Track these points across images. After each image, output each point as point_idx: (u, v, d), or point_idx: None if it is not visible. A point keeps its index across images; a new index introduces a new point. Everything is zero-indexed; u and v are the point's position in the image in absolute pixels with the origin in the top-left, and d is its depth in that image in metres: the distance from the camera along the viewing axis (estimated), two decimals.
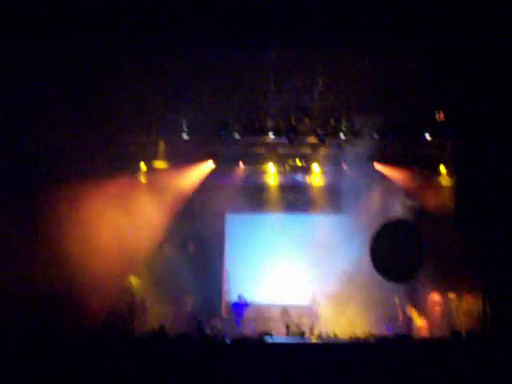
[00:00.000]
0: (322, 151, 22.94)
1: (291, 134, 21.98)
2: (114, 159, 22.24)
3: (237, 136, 22.25)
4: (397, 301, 22.29)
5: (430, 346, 14.97)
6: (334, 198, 23.55)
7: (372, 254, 21.31)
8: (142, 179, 23.39)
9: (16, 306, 18.18)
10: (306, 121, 22.01)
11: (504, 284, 18.91)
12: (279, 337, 18.43)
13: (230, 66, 20.01)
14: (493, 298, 17.26)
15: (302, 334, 19.19)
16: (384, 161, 23.13)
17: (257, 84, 20.88)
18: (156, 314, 21.54)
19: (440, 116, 21.54)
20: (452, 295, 22.06)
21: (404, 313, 22.14)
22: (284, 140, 22.36)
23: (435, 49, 18.70)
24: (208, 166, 23.55)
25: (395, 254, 20.75)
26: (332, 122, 22.00)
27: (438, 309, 22.03)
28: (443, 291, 22.32)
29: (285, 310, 23.17)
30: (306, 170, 23.88)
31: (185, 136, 22.33)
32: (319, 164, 23.57)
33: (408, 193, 23.23)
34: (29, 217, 19.91)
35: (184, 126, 22.14)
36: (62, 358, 13.86)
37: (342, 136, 22.14)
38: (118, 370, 13.82)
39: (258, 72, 20.44)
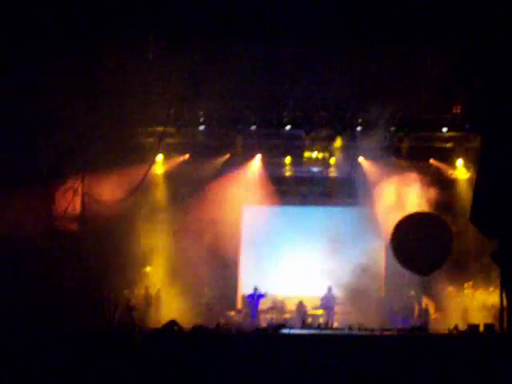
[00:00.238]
0: (339, 143, 22.88)
1: (308, 126, 22.03)
2: (131, 151, 22.27)
3: (254, 128, 22.30)
4: (413, 293, 22.26)
5: (446, 339, 15.00)
6: (350, 191, 23.51)
7: (394, 245, 21.29)
8: (159, 171, 23.43)
9: (31, 299, 18.28)
10: (323, 113, 22.03)
11: None
12: (295, 329, 18.44)
13: (246, 59, 20.02)
14: (510, 291, 17.17)
15: (317, 326, 19.23)
16: (400, 153, 23.09)
17: (274, 76, 20.89)
18: (171, 305, 21.58)
19: (457, 109, 21.51)
20: (468, 288, 22.04)
21: (420, 305, 22.10)
22: (301, 132, 22.41)
23: (453, 41, 18.65)
24: (225, 157, 23.58)
25: (420, 246, 20.71)
26: (348, 114, 22.02)
27: (453, 302, 21.99)
28: (459, 284, 22.29)
29: (300, 302, 23.19)
30: (323, 162, 23.85)
31: (202, 128, 22.40)
32: (335, 156, 23.53)
33: (424, 185, 23.18)
34: (46, 209, 20.00)
35: (201, 118, 22.20)
36: (74, 350, 13.90)
37: (358, 128, 22.16)
38: (131, 362, 13.88)
39: (275, 64, 20.45)
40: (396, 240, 21.33)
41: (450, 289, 22.19)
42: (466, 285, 22.26)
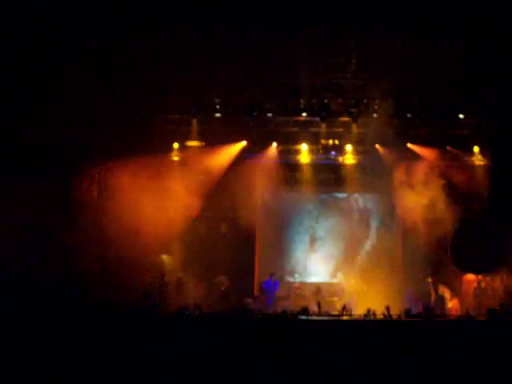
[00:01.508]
0: (355, 130, 22.81)
1: (324, 112, 22.00)
2: (147, 138, 22.30)
3: (270, 115, 22.30)
4: (429, 280, 22.25)
5: (464, 324, 15.01)
6: (366, 177, 23.51)
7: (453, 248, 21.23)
8: (175, 158, 23.46)
9: (51, 281, 18.42)
10: (339, 100, 21.99)
11: None
12: (312, 315, 18.43)
13: (262, 45, 19.98)
14: None
15: (334, 313, 19.21)
16: (416, 140, 23.04)
17: (290, 63, 20.84)
18: (190, 292, 21.68)
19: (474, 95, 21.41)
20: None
21: (436, 292, 22.08)
22: (317, 119, 22.37)
23: (470, 28, 18.56)
24: (241, 144, 23.58)
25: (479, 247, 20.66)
26: (365, 100, 21.95)
27: (472, 288, 21.98)
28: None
29: (317, 289, 23.21)
30: (339, 149, 23.85)
31: (218, 115, 22.40)
32: (352, 143, 23.50)
33: (441, 172, 23.15)
34: (65, 195, 20.12)
35: (217, 105, 22.21)
36: (94, 332, 14.00)
37: (374, 115, 22.09)
38: (149, 347, 13.96)
39: (291, 51, 20.40)
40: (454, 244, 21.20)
41: (470, 275, 22.13)
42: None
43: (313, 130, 23.18)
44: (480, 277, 22.00)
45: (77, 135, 19.86)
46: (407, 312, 17.53)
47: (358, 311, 18.45)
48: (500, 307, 16.69)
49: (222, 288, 22.87)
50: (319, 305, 19.98)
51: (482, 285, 21.98)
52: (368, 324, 16.13)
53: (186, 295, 21.64)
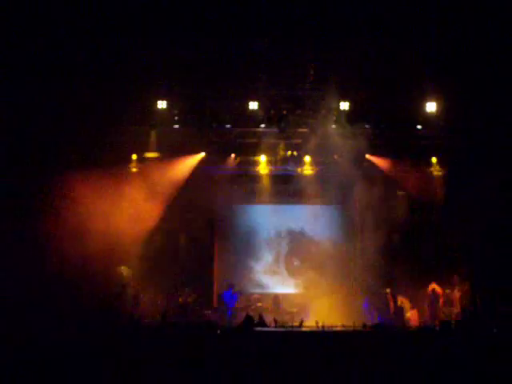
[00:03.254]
0: (313, 141, 22.80)
1: (282, 124, 21.99)
2: (105, 149, 22.16)
3: (228, 126, 22.28)
4: (388, 291, 22.29)
5: (420, 335, 15.08)
6: (325, 189, 23.54)
7: None
8: (134, 169, 23.35)
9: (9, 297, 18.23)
10: (298, 111, 21.98)
11: (491, 273, 19.12)
12: (269, 326, 18.41)
13: (220, 57, 19.96)
14: (480, 287, 17.37)
15: (292, 324, 19.21)
16: (375, 151, 23.10)
17: (248, 74, 20.83)
18: (149, 304, 21.61)
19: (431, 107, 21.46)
20: (440, 285, 22.13)
21: (395, 303, 22.12)
22: (275, 130, 22.35)
23: (428, 40, 18.70)
24: (199, 156, 23.52)
25: None
26: (323, 112, 21.94)
27: (431, 299, 22.05)
28: (435, 282, 22.33)
29: (276, 300, 23.24)
30: (297, 160, 23.86)
31: (176, 126, 22.32)
32: (310, 154, 23.53)
33: (399, 183, 23.30)
34: (22, 208, 19.94)
35: (176, 117, 22.12)
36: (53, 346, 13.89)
37: (333, 126, 22.10)
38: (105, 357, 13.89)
39: (249, 62, 20.40)
40: None
41: (431, 287, 22.17)
42: (440, 282, 22.31)
43: (271, 141, 23.13)
44: (439, 288, 22.06)
45: (38, 146, 19.76)
46: (364, 323, 17.61)
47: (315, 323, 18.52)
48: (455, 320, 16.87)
49: (189, 300, 22.77)
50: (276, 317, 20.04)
51: (440, 296, 22.06)
52: (323, 335, 16.13)
53: (143, 307, 21.59)
